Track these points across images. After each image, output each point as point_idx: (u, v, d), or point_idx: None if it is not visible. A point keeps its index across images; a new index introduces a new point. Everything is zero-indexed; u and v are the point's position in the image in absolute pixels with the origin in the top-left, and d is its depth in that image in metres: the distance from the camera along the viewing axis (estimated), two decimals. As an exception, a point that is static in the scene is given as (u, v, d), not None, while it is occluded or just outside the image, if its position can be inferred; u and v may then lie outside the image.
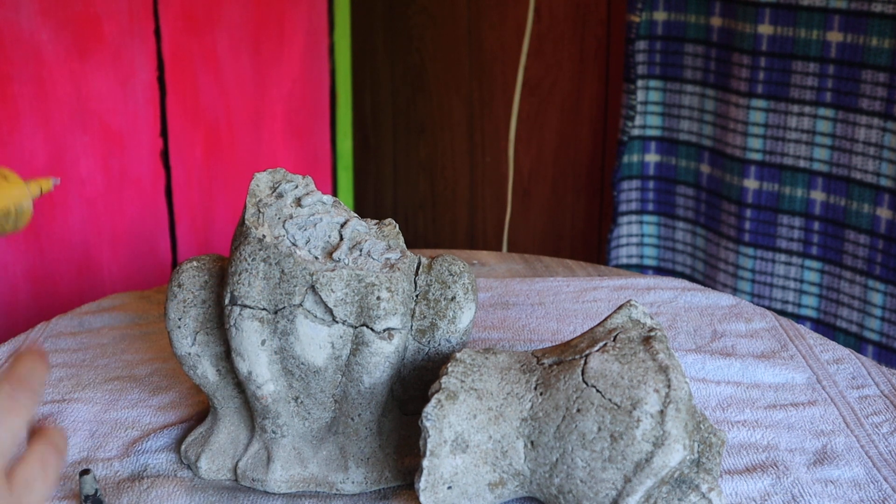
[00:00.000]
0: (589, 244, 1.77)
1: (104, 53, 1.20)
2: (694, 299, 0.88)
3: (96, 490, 0.61)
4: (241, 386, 0.63)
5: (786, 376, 0.74)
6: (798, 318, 1.40)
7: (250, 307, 0.58)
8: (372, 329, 0.58)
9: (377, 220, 0.64)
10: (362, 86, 1.85)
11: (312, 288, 0.57)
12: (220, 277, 0.63)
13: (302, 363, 0.59)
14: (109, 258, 1.27)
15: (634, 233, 1.57)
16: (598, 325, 0.60)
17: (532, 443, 0.55)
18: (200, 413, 0.72)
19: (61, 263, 1.21)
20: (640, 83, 1.48)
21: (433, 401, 0.56)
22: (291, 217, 0.60)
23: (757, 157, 1.38)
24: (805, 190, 1.36)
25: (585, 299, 0.88)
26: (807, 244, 1.38)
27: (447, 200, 1.84)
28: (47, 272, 1.20)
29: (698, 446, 0.56)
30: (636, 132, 1.51)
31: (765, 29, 1.32)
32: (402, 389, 0.63)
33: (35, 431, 0.42)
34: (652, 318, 0.61)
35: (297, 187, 0.62)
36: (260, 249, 0.58)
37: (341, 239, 0.60)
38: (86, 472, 0.61)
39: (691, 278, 1.54)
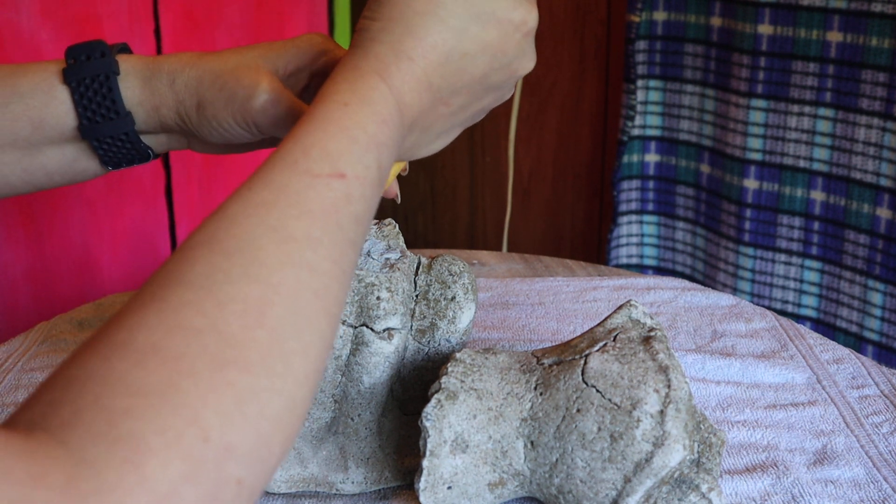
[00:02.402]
0: (589, 244, 1.77)
1: (104, 53, 1.20)
2: (694, 299, 0.88)
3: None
4: (240, 386, 0.63)
5: (786, 376, 0.74)
6: (798, 318, 1.41)
7: (250, 307, 0.58)
8: (372, 329, 0.58)
9: (377, 220, 0.64)
10: (362, 86, 1.85)
11: (312, 288, 0.57)
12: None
13: (302, 363, 0.59)
14: (109, 258, 1.27)
15: (634, 233, 1.57)
16: (598, 325, 0.60)
17: (532, 443, 0.55)
18: (200, 413, 0.71)
19: (61, 263, 1.21)
20: (640, 83, 1.48)
21: (433, 401, 0.56)
22: (291, 217, 0.60)
23: (757, 157, 1.38)
24: (805, 190, 1.36)
25: (585, 299, 0.88)
26: (807, 244, 1.38)
27: (447, 200, 1.84)
28: (47, 272, 1.20)
29: (698, 446, 0.56)
30: (636, 132, 1.51)
31: (765, 29, 1.32)
32: (402, 389, 0.63)
33: None
34: (652, 318, 0.61)
35: None
36: None
37: (341, 239, 0.60)
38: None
39: (691, 278, 1.54)
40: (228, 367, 0.34)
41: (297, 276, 0.38)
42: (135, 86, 0.59)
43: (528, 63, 0.54)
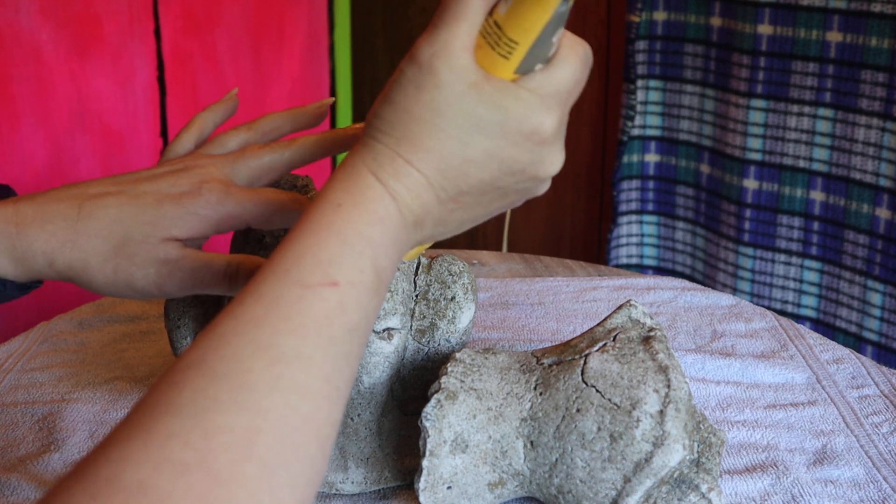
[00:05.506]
0: (589, 244, 1.77)
1: (104, 53, 1.21)
2: (694, 299, 0.88)
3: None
4: (241, 386, 0.63)
5: (786, 376, 0.74)
6: (798, 318, 1.41)
7: (250, 307, 0.58)
8: (372, 329, 0.58)
9: (377, 220, 0.64)
10: (362, 86, 1.85)
11: (312, 288, 0.57)
12: (220, 277, 0.63)
13: (302, 363, 0.59)
14: (109, 258, 1.27)
15: (634, 233, 1.57)
16: (598, 325, 0.60)
17: (532, 443, 0.55)
18: (200, 413, 0.71)
19: (61, 263, 1.21)
20: (640, 83, 1.48)
21: (433, 401, 0.56)
22: (291, 217, 0.60)
23: (756, 157, 1.38)
24: (804, 190, 1.36)
25: (585, 299, 0.88)
26: (806, 244, 1.38)
27: (447, 200, 1.84)
28: (47, 272, 1.20)
29: (698, 446, 0.56)
30: (636, 132, 1.51)
31: (764, 29, 1.32)
32: (402, 389, 0.63)
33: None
34: (652, 318, 0.61)
35: (297, 188, 0.63)
36: (260, 250, 0.58)
37: (341, 239, 0.60)
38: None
39: (691, 278, 1.54)
40: None
41: (286, 401, 0.37)
42: (6, 264, 0.55)
43: (549, 167, 0.49)
